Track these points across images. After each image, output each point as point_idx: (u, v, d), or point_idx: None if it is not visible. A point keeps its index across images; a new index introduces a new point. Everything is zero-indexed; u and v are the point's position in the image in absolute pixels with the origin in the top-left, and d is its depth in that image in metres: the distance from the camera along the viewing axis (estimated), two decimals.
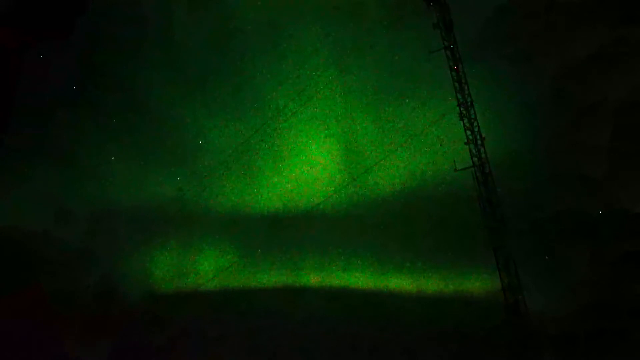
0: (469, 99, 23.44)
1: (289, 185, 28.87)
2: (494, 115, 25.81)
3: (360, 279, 27.44)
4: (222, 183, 29.50)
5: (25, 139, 31.04)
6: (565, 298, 24.33)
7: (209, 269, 29.11)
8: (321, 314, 27.18)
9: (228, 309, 28.38)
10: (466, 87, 23.44)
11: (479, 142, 23.32)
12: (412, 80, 27.59)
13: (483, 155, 23.25)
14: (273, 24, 29.82)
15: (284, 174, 29.09)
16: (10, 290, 29.75)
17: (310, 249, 28.04)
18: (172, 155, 30.33)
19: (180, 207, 29.69)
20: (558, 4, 26.41)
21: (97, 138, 30.91)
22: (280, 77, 29.37)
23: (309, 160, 28.85)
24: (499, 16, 26.92)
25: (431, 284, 26.48)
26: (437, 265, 26.39)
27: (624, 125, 25.08)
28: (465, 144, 23.39)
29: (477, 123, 23.44)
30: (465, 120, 23.46)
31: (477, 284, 25.59)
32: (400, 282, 26.86)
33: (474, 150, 23.25)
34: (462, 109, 23.50)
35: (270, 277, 28.40)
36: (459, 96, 23.50)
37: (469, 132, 23.40)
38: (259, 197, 29.18)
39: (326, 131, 28.82)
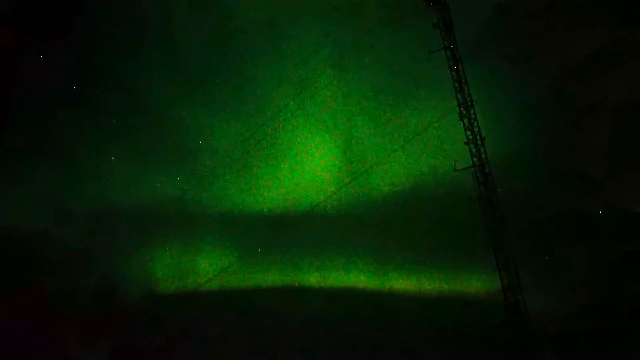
0: (469, 99, 23.43)
1: (289, 185, 28.88)
2: (494, 115, 25.78)
3: (360, 279, 27.45)
4: (222, 183, 29.51)
5: (25, 139, 31.01)
6: (565, 298, 24.35)
7: (209, 269, 29.11)
8: (321, 314, 27.20)
9: (228, 309, 28.40)
10: (466, 87, 23.43)
11: (479, 142, 23.32)
12: (412, 81, 27.60)
13: (483, 155, 23.25)
14: (273, 24, 29.83)
15: (284, 174, 29.11)
16: (10, 290, 29.74)
17: (310, 249, 28.04)
18: (172, 155, 30.33)
19: (180, 207, 29.69)
20: (558, 4, 26.42)
21: (97, 138, 30.91)
22: (280, 77, 29.39)
23: (309, 160, 28.86)
24: (498, 16, 26.93)
25: (431, 284, 26.49)
26: (437, 265, 26.39)
27: (624, 125, 25.10)
28: (465, 144, 23.39)
29: (477, 123, 23.44)
30: (465, 120, 23.46)
31: (477, 284, 25.62)
32: (400, 282, 26.88)
33: (474, 150, 23.25)
34: (462, 109, 23.49)
35: (270, 277, 28.41)
36: (459, 96, 23.50)
37: (469, 132, 23.41)
38: (259, 197, 29.21)
39: (326, 131, 28.84)
